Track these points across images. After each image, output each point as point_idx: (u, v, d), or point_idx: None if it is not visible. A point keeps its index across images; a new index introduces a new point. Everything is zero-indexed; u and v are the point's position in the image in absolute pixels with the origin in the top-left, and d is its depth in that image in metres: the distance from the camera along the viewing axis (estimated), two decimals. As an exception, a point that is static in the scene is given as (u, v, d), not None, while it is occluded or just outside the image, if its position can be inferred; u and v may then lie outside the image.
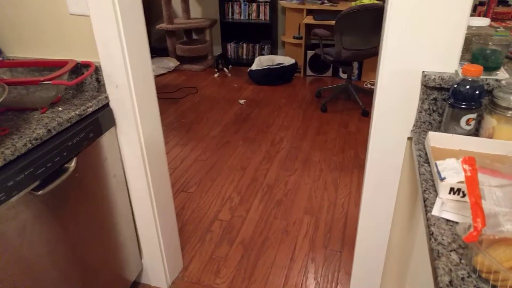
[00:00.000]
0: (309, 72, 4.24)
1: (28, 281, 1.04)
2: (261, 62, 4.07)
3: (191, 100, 3.66)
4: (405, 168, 1.13)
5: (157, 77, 4.26)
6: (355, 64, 4.04)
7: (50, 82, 1.03)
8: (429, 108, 0.98)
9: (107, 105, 1.28)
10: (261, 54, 4.56)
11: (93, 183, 1.26)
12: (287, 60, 4.07)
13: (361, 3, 3.07)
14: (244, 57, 4.68)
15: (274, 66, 3.98)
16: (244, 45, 4.63)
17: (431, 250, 0.63)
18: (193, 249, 1.88)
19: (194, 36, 4.83)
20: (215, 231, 1.98)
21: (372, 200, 1.24)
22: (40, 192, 1.03)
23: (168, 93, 3.80)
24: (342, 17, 2.89)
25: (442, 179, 0.72)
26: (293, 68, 4.04)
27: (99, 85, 1.26)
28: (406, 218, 1.23)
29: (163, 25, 4.37)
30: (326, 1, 4.01)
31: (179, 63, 4.52)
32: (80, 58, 1.25)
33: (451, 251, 0.61)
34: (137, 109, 1.29)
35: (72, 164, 1.15)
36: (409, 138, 1.07)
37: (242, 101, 3.61)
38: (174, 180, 2.43)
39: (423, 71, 0.97)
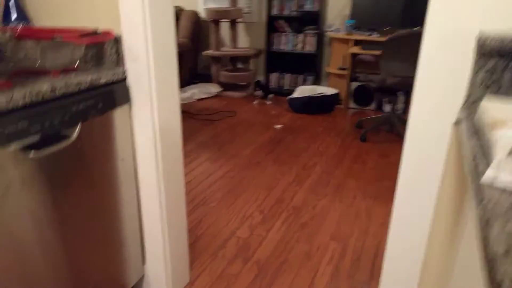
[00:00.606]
0: (352, 104, 4.08)
1: (9, 254, 0.93)
2: (302, 91, 3.98)
3: (228, 122, 3.61)
4: (449, 166, 0.92)
5: (198, 101, 4.30)
6: (401, 98, 3.83)
7: (61, 37, 0.98)
8: (483, 83, 0.79)
9: (123, 80, 1.21)
10: (303, 84, 4.49)
11: (96, 161, 1.17)
12: (329, 91, 3.96)
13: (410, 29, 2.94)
14: (287, 87, 4.62)
15: (315, 95, 3.87)
16: (287, 76, 4.59)
17: (480, 218, 0.44)
18: (203, 264, 1.70)
19: (239, 65, 4.89)
20: (230, 248, 1.80)
21: (404, 214, 1.03)
22: (33, 154, 0.95)
23: (206, 115, 3.79)
24: (389, 42, 2.76)
25: (501, 141, 0.53)
26: (335, 98, 3.91)
27: (118, 57, 1.20)
28: (446, 241, 1.00)
29: (210, 52, 4.47)
30: (374, 33, 3.92)
31: (221, 89, 4.55)
32: (103, 28, 1.21)
33: (507, 221, 0.42)
34: (154, 87, 1.21)
35: (75, 133, 1.07)
36: (455, 124, 0.88)
37: (278, 126, 3.50)
38: (196, 193, 2.30)
39: (479, 31, 0.79)
